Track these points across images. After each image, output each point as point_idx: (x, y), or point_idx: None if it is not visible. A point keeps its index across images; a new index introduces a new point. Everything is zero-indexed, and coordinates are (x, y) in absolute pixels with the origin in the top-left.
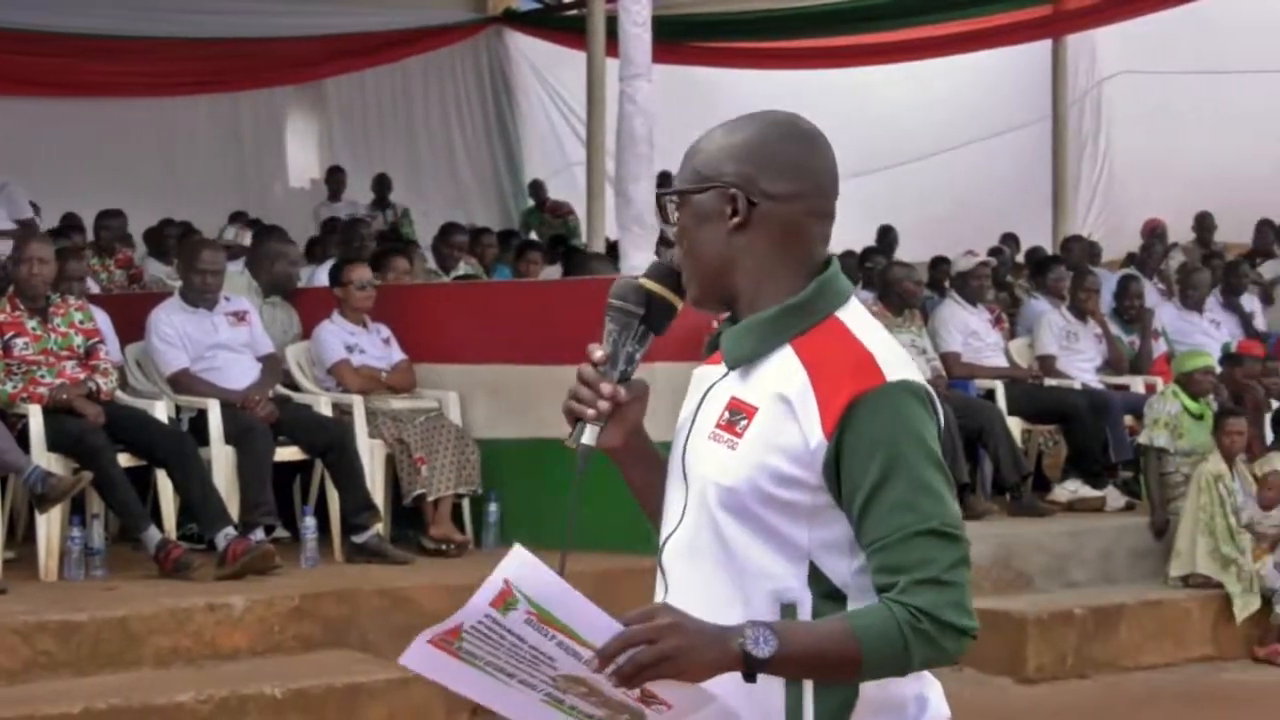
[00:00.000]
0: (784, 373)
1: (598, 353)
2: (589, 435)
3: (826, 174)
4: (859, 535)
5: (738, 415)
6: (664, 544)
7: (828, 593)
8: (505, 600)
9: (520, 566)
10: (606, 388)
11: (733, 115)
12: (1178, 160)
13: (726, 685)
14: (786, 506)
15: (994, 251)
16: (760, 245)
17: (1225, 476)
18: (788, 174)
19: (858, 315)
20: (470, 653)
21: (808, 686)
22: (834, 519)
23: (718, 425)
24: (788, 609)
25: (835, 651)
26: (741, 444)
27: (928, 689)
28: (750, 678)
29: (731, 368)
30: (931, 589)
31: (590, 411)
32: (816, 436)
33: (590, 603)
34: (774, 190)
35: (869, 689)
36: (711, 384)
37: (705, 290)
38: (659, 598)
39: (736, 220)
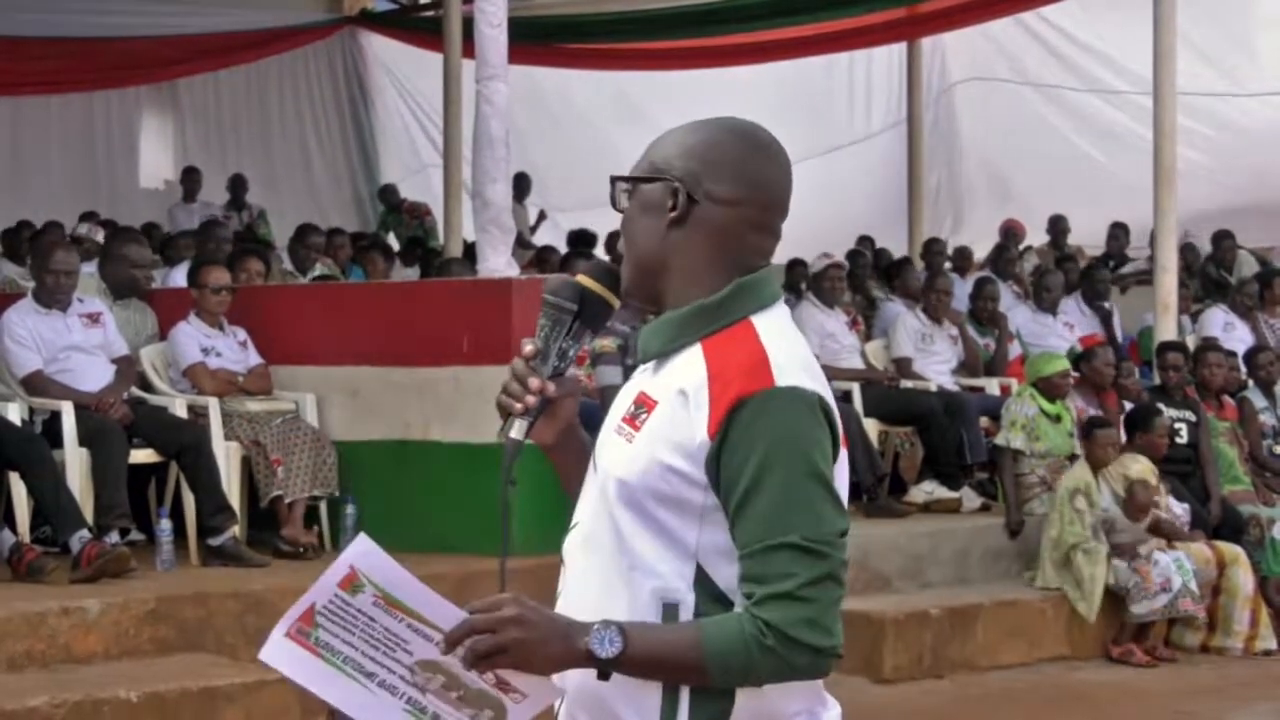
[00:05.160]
0: (687, 369)
1: (528, 347)
2: (517, 429)
3: (774, 188)
4: (734, 540)
5: (640, 409)
6: (567, 534)
7: (714, 596)
8: (352, 583)
9: (364, 555)
10: (534, 382)
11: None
12: (1027, 166)
13: (608, 685)
14: (676, 504)
15: (851, 255)
16: (692, 245)
17: (1091, 488)
18: (732, 179)
19: (773, 321)
20: (327, 644)
21: (684, 693)
22: (723, 523)
23: (622, 419)
24: (670, 609)
25: (680, 659)
26: (638, 437)
27: (819, 706)
28: (603, 676)
29: (643, 361)
30: (784, 604)
31: (517, 405)
32: (702, 435)
33: (432, 590)
34: (715, 192)
35: (743, 702)
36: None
37: (636, 283)
38: (561, 587)
39: (674, 215)
